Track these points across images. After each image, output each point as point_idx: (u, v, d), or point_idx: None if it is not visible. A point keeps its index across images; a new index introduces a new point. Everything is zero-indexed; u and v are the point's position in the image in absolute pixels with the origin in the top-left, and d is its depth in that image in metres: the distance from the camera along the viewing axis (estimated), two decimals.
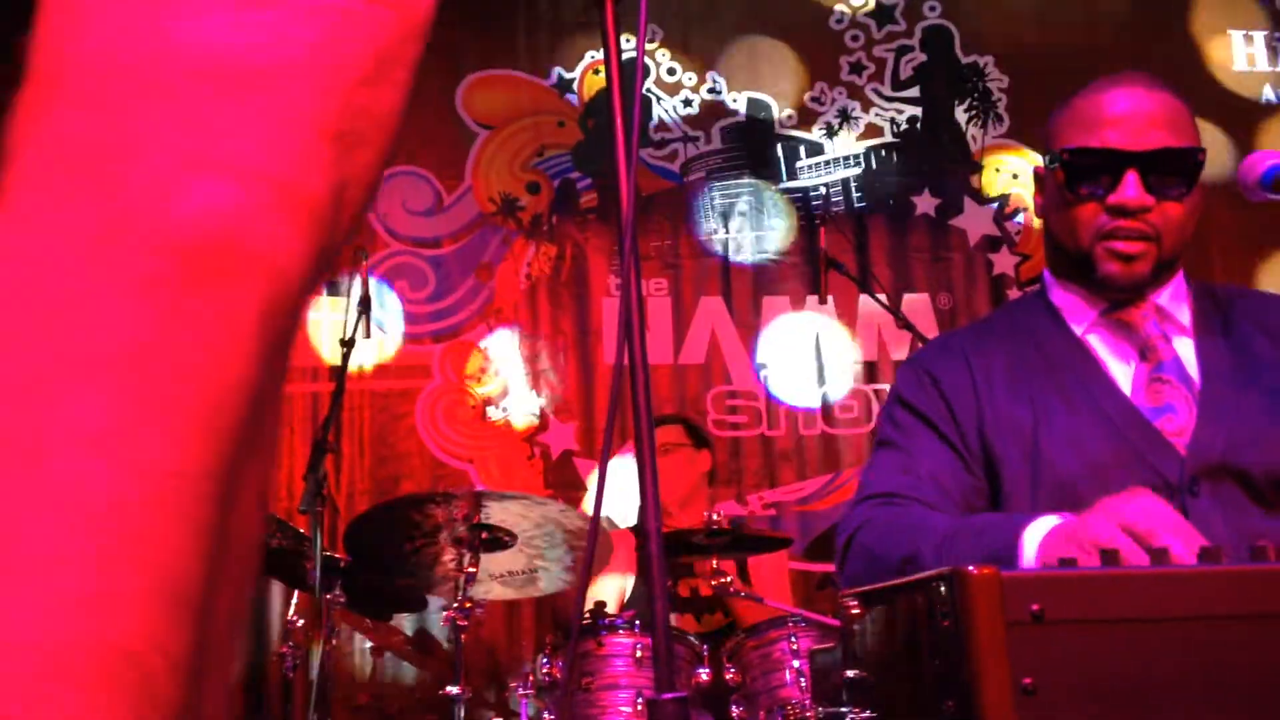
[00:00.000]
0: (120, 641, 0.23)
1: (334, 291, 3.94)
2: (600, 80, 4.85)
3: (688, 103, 4.86)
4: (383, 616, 3.89)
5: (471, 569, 2.70)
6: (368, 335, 3.12)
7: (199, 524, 0.25)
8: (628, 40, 3.85)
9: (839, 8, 4.99)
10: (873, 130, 4.90)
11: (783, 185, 4.83)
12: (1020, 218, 4.81)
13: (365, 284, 3.11)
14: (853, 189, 4.83)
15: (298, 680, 3.08)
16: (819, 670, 2.48)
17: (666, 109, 4.83)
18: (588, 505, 4.27)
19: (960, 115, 4.93)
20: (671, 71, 4.88)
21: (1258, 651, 0.86)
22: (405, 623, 4.01)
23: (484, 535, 2.72)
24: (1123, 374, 1.57)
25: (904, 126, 4.90)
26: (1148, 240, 1.52)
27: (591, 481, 4.45)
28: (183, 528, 0.25)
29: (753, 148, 4.85)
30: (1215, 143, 4.47)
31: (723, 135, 4.85)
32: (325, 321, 4.26)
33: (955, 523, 1.42)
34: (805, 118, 4.89)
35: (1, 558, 0.23)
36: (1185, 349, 1.58)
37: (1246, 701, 0.85)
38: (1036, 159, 4.32)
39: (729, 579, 2.79)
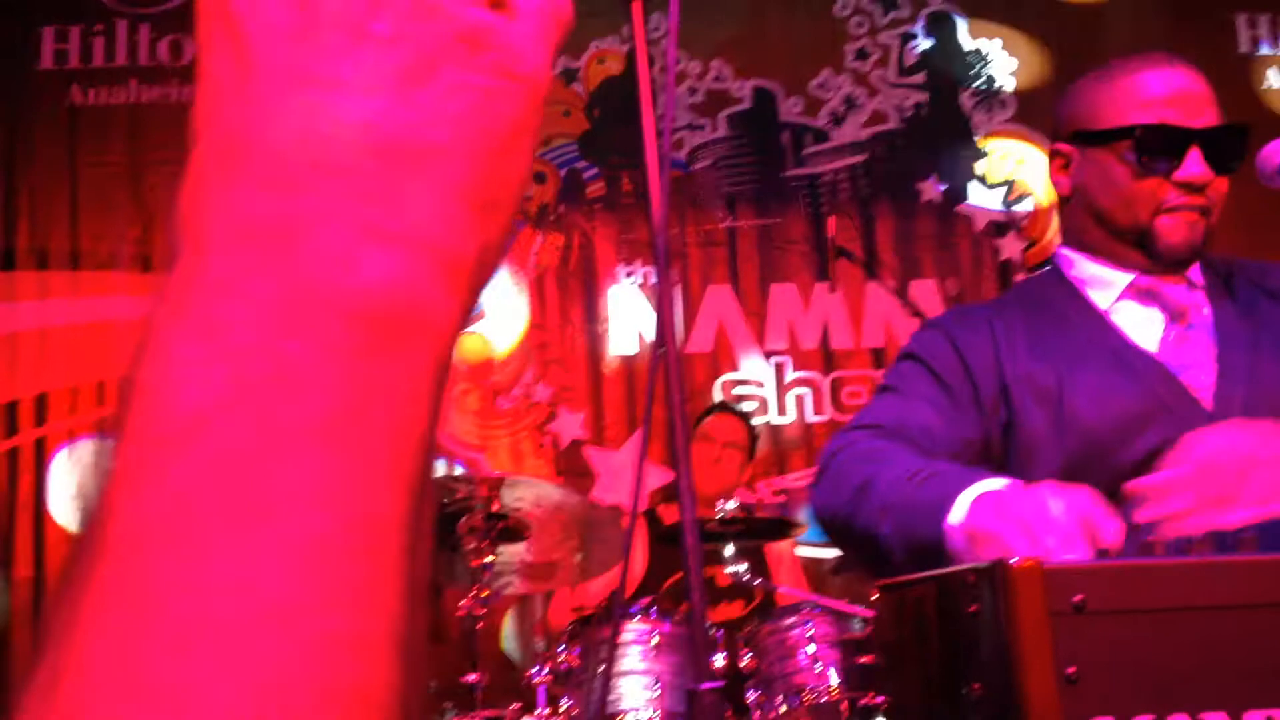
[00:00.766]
0: (366, 687, 0.25)
1: None
2: (605, 69, 4.85)
3: (693, 91, 4.86)
4: None
5: (489, 557, 2.71)
6: None
7: (404, 571, 0.27)
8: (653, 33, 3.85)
9: None
10: (878, 117, 4.90)
11: (789, 173, 4.83)
12: (1027, 203, 4.82)
13: None
14: (859, 176, 4.84)
15: None
16: (847, 658, 2.48)
17: None
18: (598, 494, 4.29)
19: (966, 101, 4.93)
20: (676, 60, 4.87)
21: None
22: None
23: (500, 525, 2.74)
24: (1150, 336, 1.61)
25: (910, 113, 4.91)
26: (1203, 213, 1.58)
27: (601, 469, 4.47)
28: (396, 575, 0.27)
29: (758, 135, 4.85)
30: None
31: (728, 123, 4.86)
32: None
33: (919, 461, 1.43)
34: (811, 105, 4.89)
35: (247, 608, 0.24)
36: (1207, 315, 1.62)
37: None
38: (1042, 144, 4.33)
39: (745, 568, 2.81)
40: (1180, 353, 1.58)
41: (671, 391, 1.19)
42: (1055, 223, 3.37)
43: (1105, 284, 1.65)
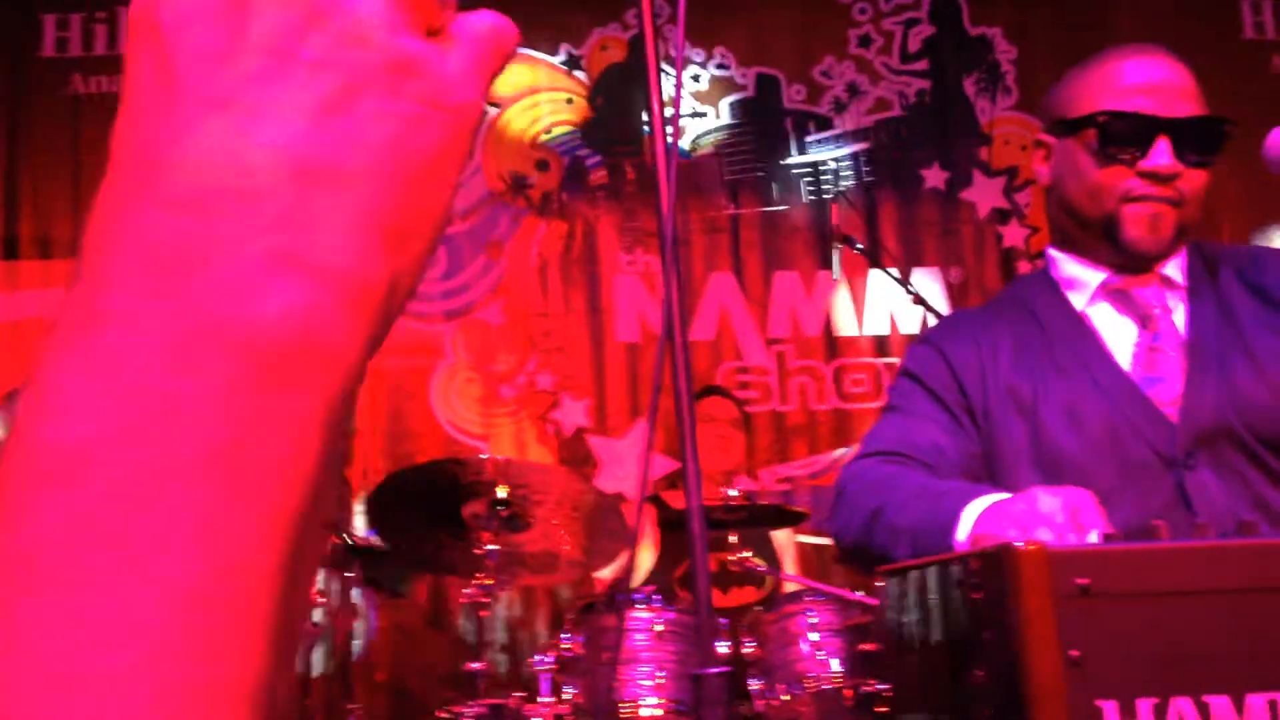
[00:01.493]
0: None
1: None
2: (608, 56, 4.84)
3: (696, 78, 4.85)
4: (400, 594, 3.92)
5: (492, 546, 2.72)
6: None
7: (274, 618, 0.27)
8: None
9: None
10: (881, 104, 4.89)
11: (791, 160, 4.82)
12: (1030, 190, 4.81)
13: None
14: (862, 163, 4.83)
15: (320, 658, 3.11)
16: (851, 645, 2.48)
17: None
18: (601, 482, 4.30)
19: (969, 88, 4.92)
20: (683, 47, 4.86)
21: None
22: (423, 599, 4.04)
23: (503, 513, 2.75)
24: (1123, 345, 1.60)
25: (913, 100, 4.89)
26: (1173, 205, 1.55)
27: (604, 457, 4.47)
28: (265, 623, 0.27)
29: (761, 123, 4.84)
30: None
31: (731, 110, 4.85)
32: None
33: (926, 483, 1.48)
34: (813, 92, 4.88)
35: (110, 654, 0.24)
36: (1180, 316, 1.61)
37: None
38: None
39: (748, 554, 2.81)
40: (1150, 363, 1.57)
41: (678, 379, 1.19)
42: None
43: (1081, 285, 1.65)
